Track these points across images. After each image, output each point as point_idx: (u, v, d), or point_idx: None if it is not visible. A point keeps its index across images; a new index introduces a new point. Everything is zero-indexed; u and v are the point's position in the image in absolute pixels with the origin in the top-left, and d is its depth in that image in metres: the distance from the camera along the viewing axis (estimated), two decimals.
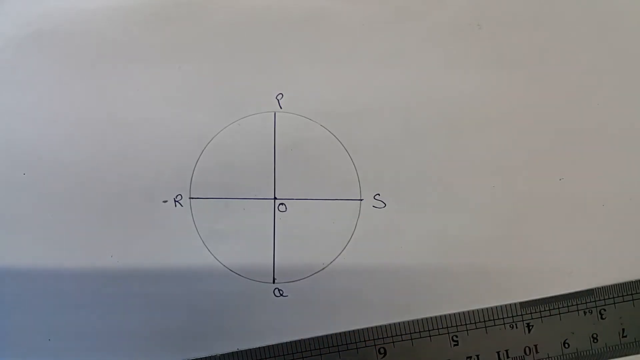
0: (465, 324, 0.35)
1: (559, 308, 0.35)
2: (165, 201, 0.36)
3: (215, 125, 0.36)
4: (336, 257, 0.35)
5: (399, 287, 0.35)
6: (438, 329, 0.35)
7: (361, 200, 0.36)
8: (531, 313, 0.35)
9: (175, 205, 0.36)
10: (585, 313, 0.35)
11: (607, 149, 0.36)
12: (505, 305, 0.35)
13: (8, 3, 0.37)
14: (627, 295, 0.35)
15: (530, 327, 0.35)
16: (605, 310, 0.35)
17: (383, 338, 0.35)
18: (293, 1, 0.37)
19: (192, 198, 0.36)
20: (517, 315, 0.35)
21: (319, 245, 0.35)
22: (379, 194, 0.36)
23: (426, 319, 0.35)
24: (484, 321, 0.35)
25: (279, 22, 0.37)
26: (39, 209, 0.35)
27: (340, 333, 0.35)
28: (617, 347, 0.35)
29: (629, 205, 0.36)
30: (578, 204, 0.36)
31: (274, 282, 0.35)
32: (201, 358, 0.35)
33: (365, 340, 0.35)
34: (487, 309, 0.35)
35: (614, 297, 0.35)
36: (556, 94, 0.36)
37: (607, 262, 0.36)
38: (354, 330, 0.35)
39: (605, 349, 0.35)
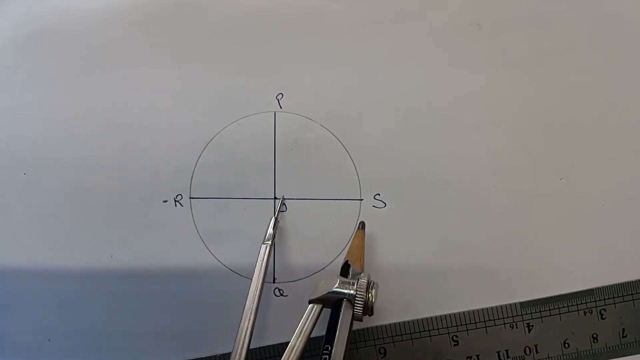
0: (465, 324, 0.35)
1: (559, 308, 0.35)
2: (165, 201, 0.36)
3: (215, 125, 0.36)
4: (336, 257, 0.35)
5: (399, 287, 0.35)
6: (438, 329, 0.35)
7: (361, 200, 0.36)
8: (531, 313, 0.35)
9: (175, 205, 0.36)
10: (585, 313, 0.35)
11: (607, 149, 0.36)
12: (505, 305, 0.35)
13: (8, 3, 0.37)
14: (627, 295, 0.35)
15: (530, 327, 0.35)
16: (605, 310, 0.35)
17: (383, 338, 0.35)
18: (293, 1, 0.37)
19: (192, 198, 0.36)
20: (517, 315, 0.35)
21: (319, 245, 0.35)
22: (379, 194, 0.36)
23: (426, 319, 0.35)
24: (484, 321, 0.35)
25: (278, 22, 0.37)
26: (39, 209, 0.35)
27: None
28: (617, 347, 0.35)
29: (629, 205, 0.36)
30: (578, 204, 0.36)
31: (274, 282, 0.35)
32: (201, 358, 0.35)
33: (365, 340, 0.35)
34: (487, 309, 0.35)
35: (614, 297, 0.35)
36: (556, 94, 0.36)
37: (607, 262, 0.36)
38: (354, 330, 0.35)
39: (605, 349, 0.35)
